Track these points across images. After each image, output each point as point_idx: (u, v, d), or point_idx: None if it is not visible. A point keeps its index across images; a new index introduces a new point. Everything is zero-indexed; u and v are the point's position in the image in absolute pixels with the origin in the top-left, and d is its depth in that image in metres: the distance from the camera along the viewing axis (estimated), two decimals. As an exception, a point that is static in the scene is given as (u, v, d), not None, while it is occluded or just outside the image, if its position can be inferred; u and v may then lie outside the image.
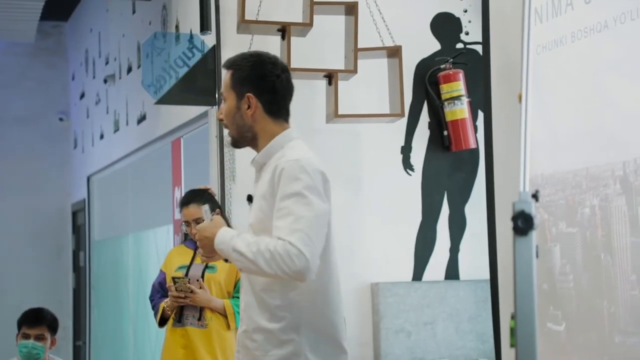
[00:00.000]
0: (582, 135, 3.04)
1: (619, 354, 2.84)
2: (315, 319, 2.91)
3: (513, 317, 1.55)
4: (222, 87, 3.08)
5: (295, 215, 2.77)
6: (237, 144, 3.06)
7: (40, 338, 4.44)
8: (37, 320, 4.47)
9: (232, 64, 3.04)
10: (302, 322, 2.89)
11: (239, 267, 2.86)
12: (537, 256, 1.55)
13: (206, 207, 2.99)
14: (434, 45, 5.58)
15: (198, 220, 4.47)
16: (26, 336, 4.43)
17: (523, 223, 1.54)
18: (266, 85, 2.98)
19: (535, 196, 1.57)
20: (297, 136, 3.03)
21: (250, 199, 3.06)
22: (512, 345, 1.55)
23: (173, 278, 4.50)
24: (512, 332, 1.55)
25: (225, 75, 3.05)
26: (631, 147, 2.80)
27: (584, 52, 3.03)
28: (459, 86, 5.38)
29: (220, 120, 3.07)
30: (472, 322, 5.37)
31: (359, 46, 5.00)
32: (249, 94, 2.96)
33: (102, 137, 9.47)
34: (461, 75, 5.40)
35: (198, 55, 5.82)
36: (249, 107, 2.97)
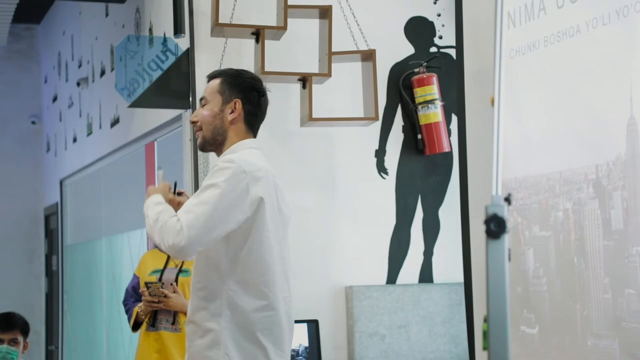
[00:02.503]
0: (555, 139, 3.05)
1: (592, 356, 2.86)
2: (233, 311, 3.01)
3: (485, 320, 1.55)
4: (204, 92, 3.19)
5: (198, 200, 2.96)
6: (205, 146, 3.19)
7: (13, 342, 4.41)
8: (9, 325, 4.43)
9: (222, 73, 3.21)
10: (222, 313, 3.01)
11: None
12: (509, 259, 1.56)
13: (160, 172, 3.15)
14: (408, 49, 5.59)
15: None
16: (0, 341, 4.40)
17: (495, 226, 1.55)
18: (252, 98, 3.17)
19: (507, 199, 1.57)
20: (254, 146, 3.17)
21: None
22: (484, 348, 1.55)
23: (146, 283, 4.48)
24: (485, 335, 1.56)
25: (211, 83, 3.19)
26: (604, 151, 2.82)
27: (557, 56, 3.05)
28: (433, 90, 5.39)
29: (193, 122, 3.19)
30: (445, 325, 5.38)
31: (333, 50, 5.00)
32: (236, 99, 3.13)
33: (75, 140, 9.41)
34: (435, 79, 5.41)
35: (172, 59, 5.80)
36: (232, 111, 3.13)
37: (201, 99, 3.20)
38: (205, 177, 3.19)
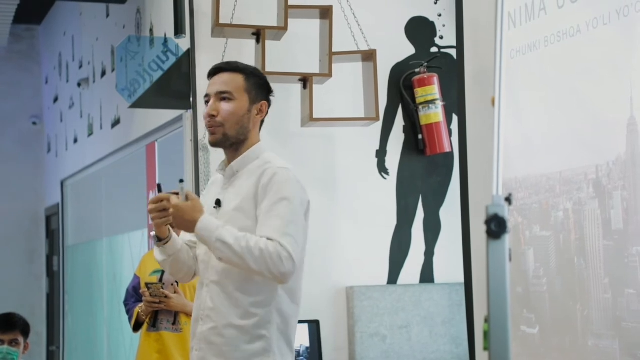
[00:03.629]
0: (555, 139, 3.06)
1: (593, 356, 2.86)
2: (279, 318, 2.99)
3: (486, 320, 1.55)
4: (226, 86, 3.07)
5: (285, 220, 2.88)
6: (224, 143, 3.08)
7: (14, 343, 4.42)
8: (9, 325, 4.43)
9: (244, 69, 3.12)
10: (271, 320, 2.98)
11: (218, 256, 2.90)
12: (510, 260, 1.56)
13: (183, 185, 2.95)
14: (409, 49, 5.60)
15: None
16: (0, 342, 4.40)
17: (496, 226, 1.55)
18: (269, 102, 3.16)
19: (508, 200, 1.57)
20: (268, 149, 3.16)
21: (219, 203, 3.08)
22: (485, 349, 1.55)
23: (146, 284, 4.48)
24: (486, 335, 1.56)
25: (232, 77, 3.09)
26: (604, 151, 2.82)
27: (557, 56, 3.05)
28: (434, 90, 5.39)
29: (212, 116, 3.05)
30: (446, 325, 5.38)
31: (334, 50, 5.00)
32: (264, 101, 3.11)
33: (76, 141, 9.41)
34: (435, 79, 5.41)
35: (172, 59, 5.80)
36: (258, 113, 3.10)
37: (223, 92, 3.07)
38: (235, 188, 3.05)
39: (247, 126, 3.07)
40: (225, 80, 3.08)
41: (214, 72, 3.14)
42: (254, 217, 2.97)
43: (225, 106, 3.05)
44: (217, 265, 3.01)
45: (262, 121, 3.16)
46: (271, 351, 2.95)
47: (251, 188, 2.99)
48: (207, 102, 3.10)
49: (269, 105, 3.15)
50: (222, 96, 3.06)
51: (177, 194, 3.00)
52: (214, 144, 3.08)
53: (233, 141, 3.07)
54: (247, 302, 2.97)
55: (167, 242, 3.10)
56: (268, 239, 2.85)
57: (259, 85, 3.11)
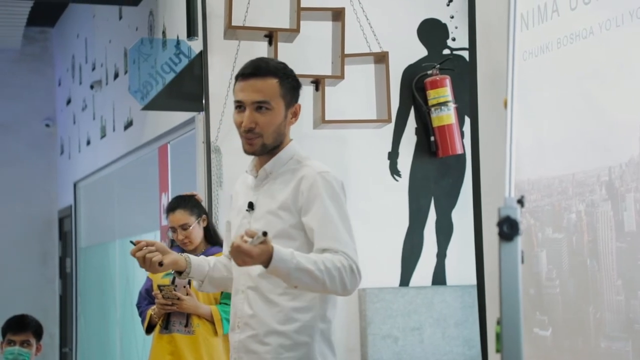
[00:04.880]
0: (568, 141, 3.05)
1: (605, 358, 2.85)
2: (323, 323, 2.91)
3: (499, 322, 1.55)
4: (262, 94, 2.89)
5: (341, 227, 2.83)
6: (262, 152, 2.94)
7: (25, 344, 4.43)
8: (21, 326, 4.45)
9: (277, 71, 2.93)
10: (315, 326, 2.88)
11: (293, 285, 2.75)
12: (522, 262, 1.56)
13: (260, 234, 2.65)
14: (421, 51, 5.60)
15: (184, 226, 4.47)
16: (11, 342, 4.41)
17: (508, 228, 1.55)
18: (299, 96, 3.01)
19: (520, 202, 1.57)
20: (300, 149, 3.03)
21: (251, 206, 2.97)
22: (497, 351, 1.55)
23: (159, 286, 4.49)
24: (498, 337, 1.55)
25: (267, 82, 2.89)
26: (616, 153, 2.81)
27: (569, 58, 3.04)
28: (446, 92, 5.39)
29: (251, 129, 2.88)
30: (459, 327, 5.37)
31: (346, 52, 5.01)
32: (298, 104, 2.97)
33: (88, 143, 9.44)
34: (448, 81, 5.41)
35: (185, 61, 5.81)
36: (293, 116, 2.97)
37: (261, 102, 2.87)
38: (269, 192, 2.93)
39: (283, 132, 2.94)
40: (260, 88, 2.89)
41: (246, 75, 2.91)
42: (292, 222, 2.87)
43: (263, 117, 2.88)
44: (253, 270, 2.88)
45: None
46: (313, 358, 2.86)
47: (289, 193, 2.88)
48: (238, 106, 2.92)
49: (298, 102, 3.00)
50: (259, 105, 2.88)
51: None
52: (251, 153, 2.95)
53: (270, 149, 2.93)
54: (289, 307, 2.87)
55: (187, 273, 3.00)
56: (333, 252, 2.77)
57: (292, 88, 2.95)
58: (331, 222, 2.82)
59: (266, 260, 2.65)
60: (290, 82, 2.96)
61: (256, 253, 2.62)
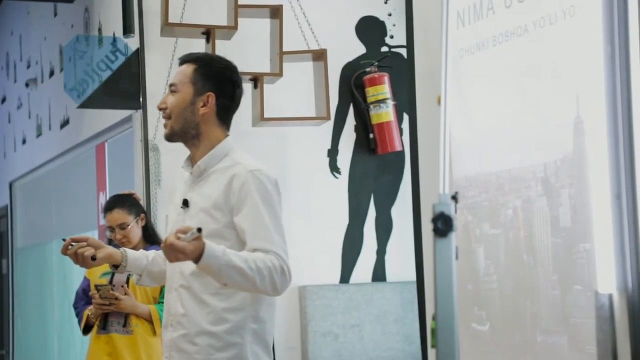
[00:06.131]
0: (504, 138, 3.08)
1: (542, 352, 2.89)
2: (255, 324, 2.89)
3: (434, 317, 1.55)
4: (175, 78, 2.95)
5: (271, 226, 2.82)
6: (173, 137, 2.95)
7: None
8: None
9: (198, 59, 2.96)
10: (246, 326, 2.87)
11: (223, 282, 2.75)
12: (456, 257, 1.56)
13: (194, 230, 2.67)
14: (359, 49, 5.61)
15: (122, 225, 4.42)
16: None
17: (442, 224, 1.56)
18: (227, 90, 2.96)
19: (455, 198, 1.58)
20: (236, 145, 3.00)
21: (186, 203, 2.95)
22: (433, 346, 1.56)
23: (96, 285, 4.43)
24: (433, 332, 1.56)
25: (183, 68, 2.95)
26: (552, 149, 2.84)
27: (505, 55, 3.07)
28: (385, 89, 5.41)
29: (162, 109, 2.94)
30: (398, 323, 5.40)
31: (284, 49, 5.00)
32: (210, 93, 2.91)
33: (24, 142, 9.30)
34: (386, 79, 5.43)
35: (121, 59, 5.75)
36: (204, 105, 2.91)
37: (171, 85, 2.95)
38: (204, 189, 2.90)
39: (192, 119, 2.90)
40: (178, 72, 2.97)
41: (179, 62, 3.00)
42: (225, 222, 2.85)
43: (170, 98, 2.93)
44: (185, 268, 2.86)
45: (225, 114, 2.97)
46: (245, 358, 2.85)
47: (221, 192, 2.86)
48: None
49: (222, 95, 2.93)
50: (171, 88, 2.95)
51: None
52: (166, 138, 2.97)
53: (181, 135, 2.93)
54: (220, 307, 2.85)
55: (123, 266, 2.98)
56: (264, 251, 2.77)
57: (208, 76, 2.93)
58: (262, 223, 2.81)
59: (198, 256, 2.65)
60: (207, 70, 2.94)
61: (190, 250, 2.62)
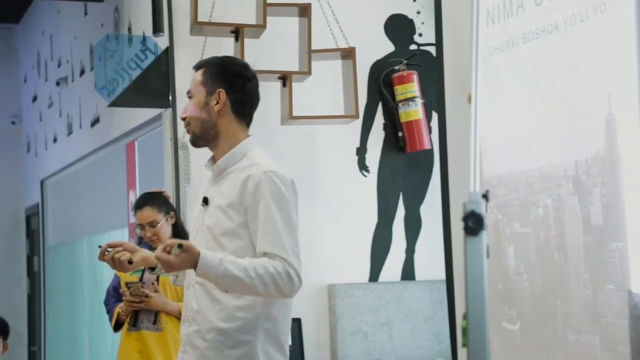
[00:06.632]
0: (534, 136, 3.06)
1: (573, 352, 2.87)
2: (267, 322, 2.92)
3: (465, 316, 1.55)
4: (190, 86, 3.05)
5: (282, 231, 2.84)
6: (197, 141, 3.03)
7: (-8, 344, 4.39)
8: (-13, 327, 4.41)
9: (204, 63, 3.06)
10: (257, 324, 2.90)
11: (224, 289, 2.85)
12: (488, 256, 1.56)
13: (176, 247, 2.76)
14: (388, 47, 5.60)
15: (152, 223, 4.44)
16: (-23, 342, 4.38)
17: (474, 223, 1.55)
18: (237, 85, 3.01)
19: (485, 196, 1.57)
20: (257, 145, 3.05)
21: (206, 201, 3.01)
22: (464, 345, 1.55)
23: (127, 283, 4.46)
24: (464, 331, 1.56)
25: (195, 74, 3.05)
26: (583, 147, 2.82)
27: (535, 53, 3.05)
28: (413, 87, 5.39)
29: (183, 119, 3.04)
30: (428, 322, 5.39)
31: (313, 48, 5.00)
32: (220, 89, 2.98)
33: (55, 140, 9.36)
34: (415, 77, 5.41)
35: (151, 58, 5.78)
36: (217, 102, 2.97)
37: (187, 93, 3.05)
38: (222, 188, 2.96)
39: (209, 119, 2.97)
40: (191, 79, 3.06)
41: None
42: (240, 221, 2.89)
43: (188, 106, 3.02)
44: None
45: (241, 108, 3.02)
46: (255, 357, 2.88)
47: (237, 191, 2.90)
48: None
49: (233, 90, 2.99)
50: (188, 95, 3.04)
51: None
52: (191, 144, 3.06)
53: (202, 137, 3.00)
54: (232, 305, 2.90)
55: (160, 269, 3.00)
56: (271, 256, 2.81)
57: (215, 75, 3.00)
58: (272, 226, 2.84)
59: (191, 266, 2.76)
60: (213, 70, 3.02)
61: (176, 263, 2.74)
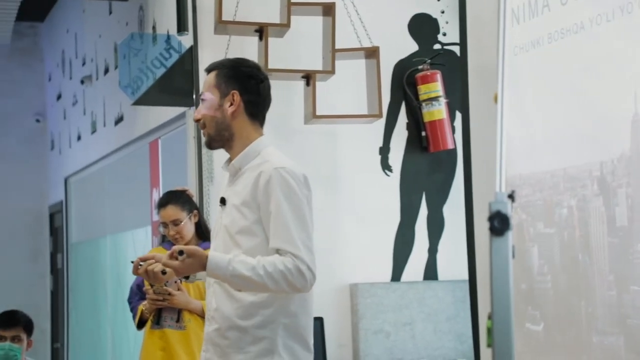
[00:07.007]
0: (559, 136, 3.05)
1: (597, 353, 2.85)
2: (286, 318, 2.94)
3: (490, 317, 1.55)
4: (203, 88, 3.08)
5: (294, 227, 2.85)
6: (212, 143, 3.07)
7: (16, 339, 4.42)
8: (11, 322, 4.44)
9: (216, 65, 3.08)
10: (276, 320, 2.92)
11: (236, 288, 2.90)
12: (513, 256, 1.55)
13: (178, 252, 2.86)
14: (412, 46, 5.59)
15: (175, 222, 4.46)
16: (2, 338, 4.41)
17: (499, 223, 1.54)
18: (250, 86, 3.04)
19: (511, 196, 1.57)
20: (270, 144, 3.08)
21: (223, 201, 3.06)
22: (488, 345, 1.55)
23: (150, 281, 4.48)
24: (489, 332, 1.55)
25: (208, 77, 3.07)
26: (608, 148, 2.81)
27: (560, 52, 3.04)
28: (437, 87, 5.38)
29: (197, 120, 3.07)
30: (450, 322, 5.38)
31: (337, 47, 5.00)
32: (234, 91, 3.01)
33: (79, 138, 9.42)
34: (439, 76, 5.40)
35: (175, 56, 5.79)
36: (231, 104, 3.00)
37: (200, 95, 3.09)
38: (237, 187, 3.00)
39: (223, 121, 3.01)
40: (204, 82, 3.09)
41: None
42: (253, 219, 2.93)
43: (201, 108, 3.05)
44: None
45: (255, 110, 3.05)
46: (276, 352, 2.90)
47: (249, 190, 2.94)
48: None
49: (247, 91, 3.02)
50: (200, 98, 3.07)
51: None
52: (206, 146, 3.11)
53: (218, 139, 3.04)
54: (249, 302, 2.93)
55: (194, 276, 3.06)
56: (282, 253, 2.83)
57: (227, 77, 3.02)
58: (283, 222, 2.86)
59: (200, 269, 2.82)
60: (225, 72, 3.04)
61: (182, 268, 2.81)
